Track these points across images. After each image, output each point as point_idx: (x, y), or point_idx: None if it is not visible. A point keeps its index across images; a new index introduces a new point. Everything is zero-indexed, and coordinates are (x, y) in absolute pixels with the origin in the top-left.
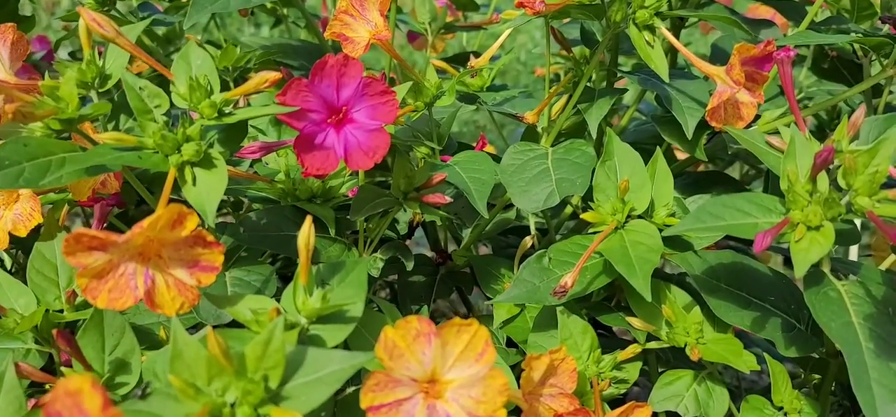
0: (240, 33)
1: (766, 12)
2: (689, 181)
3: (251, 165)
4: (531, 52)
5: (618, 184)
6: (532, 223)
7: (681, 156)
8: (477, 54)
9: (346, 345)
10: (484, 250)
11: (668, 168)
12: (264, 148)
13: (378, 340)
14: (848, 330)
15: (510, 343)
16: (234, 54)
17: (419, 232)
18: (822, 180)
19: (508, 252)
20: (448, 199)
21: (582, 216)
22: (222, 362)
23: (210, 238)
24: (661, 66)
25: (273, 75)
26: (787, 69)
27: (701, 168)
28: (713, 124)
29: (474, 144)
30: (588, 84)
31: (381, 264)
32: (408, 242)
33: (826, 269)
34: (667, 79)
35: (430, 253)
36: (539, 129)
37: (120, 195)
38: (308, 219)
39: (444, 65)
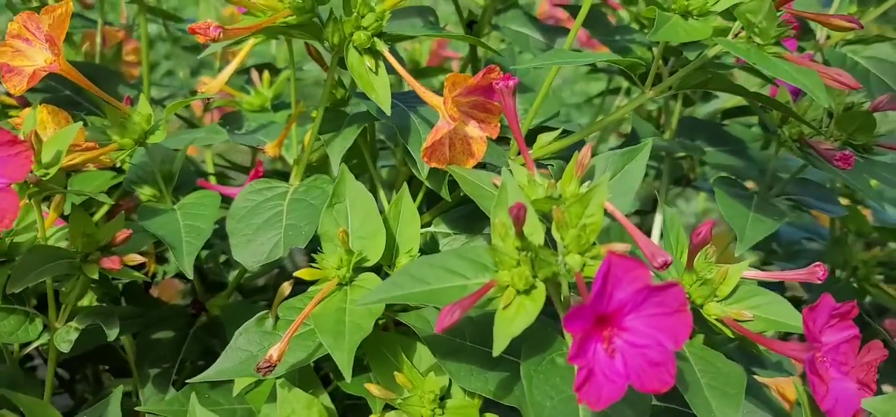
0: None
1: (563, 14)
2: (465, 213)
3: None
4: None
5: (348, 232)
6: None
7: None
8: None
9: None
10: None
11: (414, 208)
12: None
13: None
14: (567, 406)
15: None
16: None
17: None
18: (536, 233)
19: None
20: (136, 260)
21: (296, 275)
22: None
23: None
24: (382, 96)
25: None
26: (509, 101)
27: None
28: (434, 165)
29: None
30: (342, 108)
31: (75, 334)
32: None
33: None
34: (388, 112)
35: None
36: (292, 162)
37: None
38: None
39: (224, 87)
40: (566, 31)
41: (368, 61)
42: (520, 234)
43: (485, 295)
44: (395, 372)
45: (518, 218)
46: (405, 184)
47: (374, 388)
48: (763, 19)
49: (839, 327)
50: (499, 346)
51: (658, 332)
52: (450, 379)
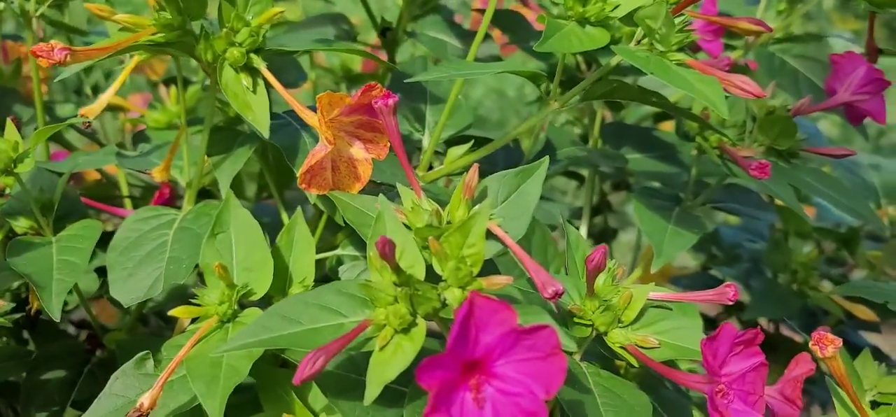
0: None
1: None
2: None
3: None
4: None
5: (232, 263)
6: None
7: None
8: None
9: None
10: None
11: (309, 234)
12: None
13: None
14: None
15: None
16: None
17: None
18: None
19: None
20: None
21: (171, 313)
22: None
23: None
24: (260, 116)
25: None
26: (390, 120)
27: None
28: (313, 191)
29: None
30: (238, 127)
31: None
32: None
33: None
34: (266, 134)
35: None
36: (185, 185)
37: None
38: None
39: (122, 102)
40: (488, 37)
41: (245, 80)
42: (396, 269)
43: (358, 336)
44: (285, 415)
45: (384, 253)
46: (299, 209)
47: None
48: (662, 25)
49: (745, 355)
50: (371, 394)
51: (529, 379)
52: None
